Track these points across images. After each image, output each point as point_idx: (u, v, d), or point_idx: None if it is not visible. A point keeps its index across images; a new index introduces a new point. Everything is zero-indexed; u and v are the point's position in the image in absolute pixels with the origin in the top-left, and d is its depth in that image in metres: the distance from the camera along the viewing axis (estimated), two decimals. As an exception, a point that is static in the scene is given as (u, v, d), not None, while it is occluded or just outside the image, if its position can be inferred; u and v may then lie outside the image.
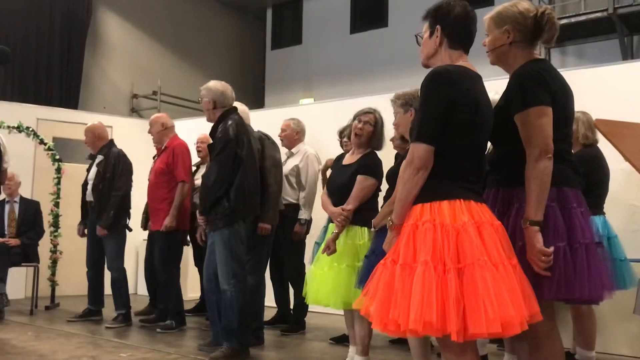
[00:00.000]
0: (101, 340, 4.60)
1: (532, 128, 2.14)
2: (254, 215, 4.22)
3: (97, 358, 4.00)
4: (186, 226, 5.22)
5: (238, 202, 3.93)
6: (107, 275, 5.43)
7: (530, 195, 2.10)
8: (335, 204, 3.73)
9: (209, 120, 4.23)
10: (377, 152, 3.86)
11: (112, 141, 5.57)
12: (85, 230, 5.54)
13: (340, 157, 4.07)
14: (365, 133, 3.76)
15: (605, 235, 3.72)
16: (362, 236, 3.60)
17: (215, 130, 4.06)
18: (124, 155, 5.44)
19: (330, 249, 3.59)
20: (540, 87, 2.17)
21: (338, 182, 3.82)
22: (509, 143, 2.26)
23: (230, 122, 4.02)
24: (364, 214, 3.60)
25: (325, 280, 3.60)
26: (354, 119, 3.88)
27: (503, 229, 2.07)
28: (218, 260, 3.98)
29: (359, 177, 3.67)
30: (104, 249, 5.38)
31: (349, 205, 3.62)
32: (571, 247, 2.12)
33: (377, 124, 3.79)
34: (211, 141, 4.13)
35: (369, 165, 3.72)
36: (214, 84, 4.21)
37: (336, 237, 3.62)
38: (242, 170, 3.97)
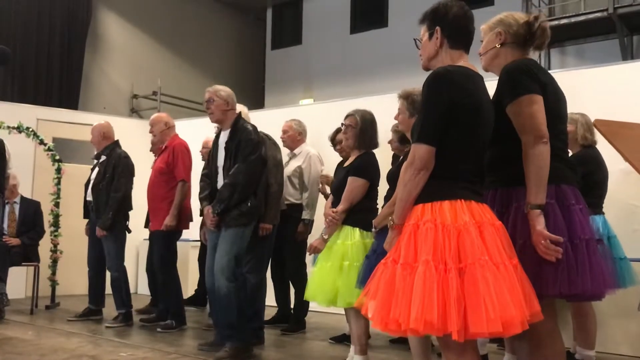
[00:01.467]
0: (101, 340, 4.61)
1: (524, 116, 2.18)
2: (267, 214, 4.43)
3: (97, 357, 4.01)
4: (186, 226, 5.22)
5: (261, 201, 4.13)
6: (109, 275, 5.44)
7: (530, 180, 2.13)
8: (334, 205, 3.83)
9: (216, 121, 4.20)
10: (374, 152, 3.90)
11: (117, 142, 5.56)
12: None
13: (344, 160, 4.17)
14: (350, 136, 3.83)
15: (605, 235, 3.74)
16: (352, 236, 3.65)
17: (235, 132, 4.07)
18: (127, 157, 5.44)
19: (316, 250, 3.75)
20: (528, 77, 2.22)
21: (336, 184, 3.94)
22: (504, 142, 2.27)
23: (248, 126, 4.10)
24: (355, 215, 3.68)
25: (316, 278, 3.69)
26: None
27: (504, 229, 2.07)
28: (221, 256, 3.98)
29: (349, 179, 3.75)
30: (103, 249, 5.40)
31: (340, 207, 3.71)
32: (572, 243, 2.13)
33: (357, 125, 3.82)
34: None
35: (358, 166, 3.78)
36: (223, 87, 4.25)
37: (323, 240, 3.72)
38: (265, 170, 4.17)
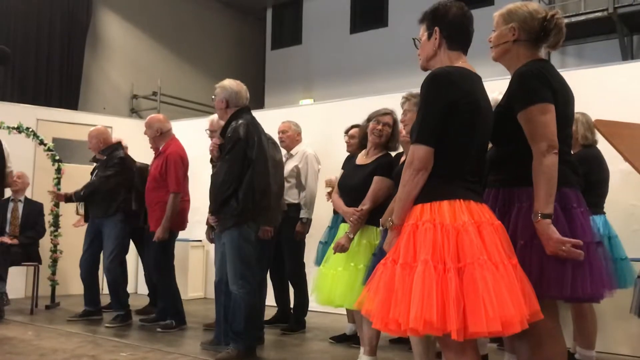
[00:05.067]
0: (101, 340, 4.61)
1: (536, 125, 2.15)
2: (265, 216, 4.17)
3: (97, 357, 4.01)
4: (180, 229, 5.20)
5: (247, 202, 3.88)
6: (102, 275, 5.44)
7: (539, 190, 2.10)
8: (348, 204, 3.73)
9: (221, 118, 4.19)
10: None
11: (118, 144, 5.57)
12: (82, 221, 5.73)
13: (351, 157, 4.07)
14: (385, 134, 3.77)
15: (606, 235, 3.73)
16: (377, 236, 3.60)
17: (226, 130, 4.02)
18: (125, 158, 5.45)
19: (344, 248, 3.59)
20: (542, 85, 2.18)
21: (352, 182, 3.81)
22: (509, 143, 2.26)
23: (240, 122, 3.97)
24: (380, 215, 3.55)
25: (340, 281, 3.57)
26: (369, 120, 3.86)
27: (503, 229, 2.07)
28: (227, 260, 3.96)
29: (376, 178, 3.67)
30: (98, 251, 5.42)
31: (365, 205, 3.62)
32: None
33: (395, 125, 3.79)
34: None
35: (387, 167, 3.71)
36: (228, 82, 4.17)
37: (349, 238, 3.61)
38: (251, 170, 3.91)
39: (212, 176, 4.10)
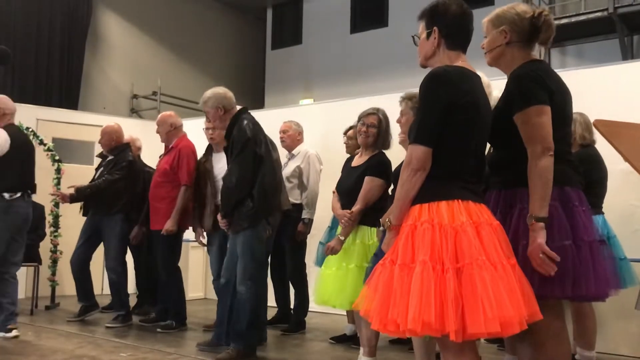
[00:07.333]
0: (101, 340, 4.61)
1: (533, 127, 2.15)
2: (277, 212, 4.17)
3: (97, 358, 4.01)
4: (187, 226, 5.21)
5: (261, 200, 3.90)
6: (94, 271, 5.44)
7: (535, 193, 2.10)
8: (344, 206, 3.79)
9: (218, 127, 4.15)
10: (385, 151, 3.88)
11: (127, 145, 5.56)
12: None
13: (350, 159, 4.10)
14: (371, 135, 3.80)
15: (605, 235, 3.73)
16: (371, 236, 3.64)
17: (231, 132, 4.01)
18: (133, 161, 5.45)
19: (334, 250, 3.65)
20: (538, 87, 2.19)
21: (346, 184, 3.87)
22: (509, 145, 2.26)
23: (245, 122, 3.97)
24: (373, 215, 3.61)
25: (333, 281, 3.62)
26: (359, 120, 3.90)
27: (502, 229, 2.07)
28: (239, 261, 3.96)
29: (366, 178, 3.71)
30: (93, 248, 5.43)
31: (356, 206, 3.67)
32: (575, 244, 2.13)
33: (380, 124, 3.81)
34: None
35: (376, 166, 3.75)
36: (213, 90, 4.16)
37: (340, 240, 3.66)
38: (262, 168, 3.93)
39: (224, 178, 4.07)
